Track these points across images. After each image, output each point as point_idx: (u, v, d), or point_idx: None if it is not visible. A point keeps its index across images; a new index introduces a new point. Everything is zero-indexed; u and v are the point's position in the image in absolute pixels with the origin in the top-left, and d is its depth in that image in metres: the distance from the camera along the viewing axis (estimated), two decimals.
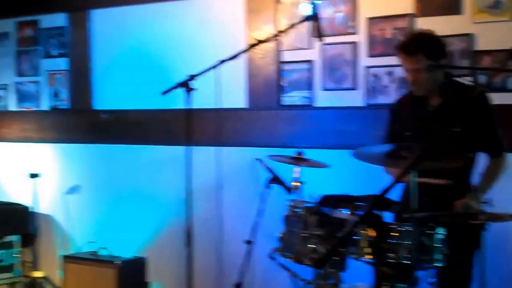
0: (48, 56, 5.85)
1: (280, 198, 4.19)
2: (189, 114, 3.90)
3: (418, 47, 3.50)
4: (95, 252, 5.33)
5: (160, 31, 5.25)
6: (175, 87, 3.91)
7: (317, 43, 4.58)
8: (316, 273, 3.78)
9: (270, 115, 4.82)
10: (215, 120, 4.79)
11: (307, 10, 4.23)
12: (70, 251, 5.63)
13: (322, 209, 3.77)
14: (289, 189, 4.16)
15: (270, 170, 4.29)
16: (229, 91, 4.64)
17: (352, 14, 4.54)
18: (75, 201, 5.77)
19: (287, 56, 4.76)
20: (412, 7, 4.35)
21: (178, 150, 4.77)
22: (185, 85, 3.89)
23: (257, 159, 4.34)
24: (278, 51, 4.77)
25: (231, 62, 3.97)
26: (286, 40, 4.69)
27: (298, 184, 4.05)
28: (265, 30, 4.76)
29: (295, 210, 3.89)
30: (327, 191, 3.88)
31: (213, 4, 5.03)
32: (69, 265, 5.29)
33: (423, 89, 3.58)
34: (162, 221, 5.26)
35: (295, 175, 4.05)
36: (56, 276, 5.64)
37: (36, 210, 5.76)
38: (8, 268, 5.65)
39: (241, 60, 4.32)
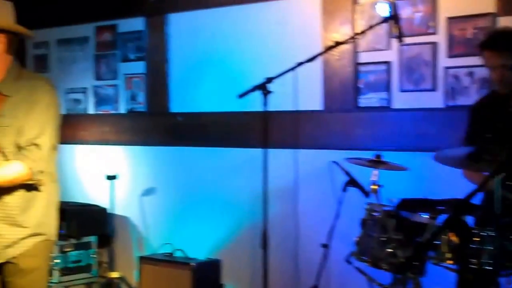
0: (126, 60, 5.94)
1: (357, 201, 4.15)
2: (266, 116, 3.90)
3: (506, 43, 3.41)
4: (170, 253, 5.37)
5: (236, 34, 5.25)
6: (252, 90, 3.91)
7: (394, 44, 4.50)
8: (394, 278, 3.72)
9: (346, 117, 4.77)
10: (291, 122, 4.76)
11: (385, 11, 4.17)
12: (146, 253, 5.69)
13: (400, 213, 3.70)
14: (366, 193, 4.11)
15: (347, 173, 4.24)
16: (305, 93, 4.62)
17: (432, 14, 4.44)
18: (151, 203, 5.83)
19: (364, 57, 4.70)
20: (494, 6, 4.23)
21: (254, 152, 4.79)
22: (262, 87, 3.88)
23: (334, 162, 4.30)
24: (355, 53, 4.71)
25: (307, 64, 3.96)
26: (363, 41, 4.63)
27: (376, 187, 3.98)
28: (342, 31, 4.71)
29: (372, 213, 3.84)
30: (406, 194, 3.82)
31: (289, 6, 5.00)
32: (145, 266, 5.35)
33: (509, 87, 3.48)
34: (237, 223, 5.25)
35: (373, 178, 3.99)
36: (132, 277, 5.71)
37: (113, 212, 5.85)
38: (86, 268, 5.74)
39: (317, 62, 4.28)
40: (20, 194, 3.21)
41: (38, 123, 3.16)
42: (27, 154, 3.11)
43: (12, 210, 3.20)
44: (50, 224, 3.36)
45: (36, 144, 3.14)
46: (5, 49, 3.20)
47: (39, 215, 3.27)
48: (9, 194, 3.18)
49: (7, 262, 3.23)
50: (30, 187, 3.23)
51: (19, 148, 3.15)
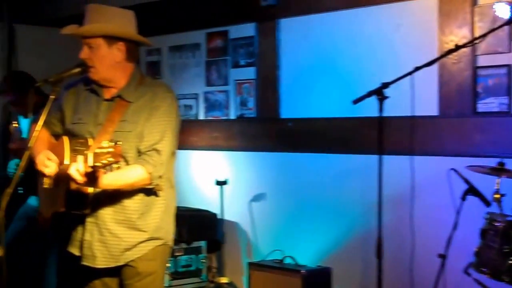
0: (237, 65, 5.97)
1: (476, 210, 3.99)
2: (381, 122, 3.82)
3: None
4: (280, 260, 5.34)
5: (349, 38, 5.18)
6: (367, 96, 3.83)
7: None
8: None
9: (464, 123, 4.60)
10: (406, 128, 4.64)
11: (506, 13, 4.01)
12: (255, 259, 5.69)
13: None
14: (487, 202, 3.95)
15: (466, 181, 4.09)
16: (420, 98, 4.50)
17: None
18: (260, 208, 5.83)
19: (482, 61, 4.53)
20: None
21: (366, 159, 4.71)
22: (378, 93, 3.80)
23: (452, 169, 4.16)
24: (473, 56, 4.54)
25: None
26: (482, 43, 4.45)
27: (499, 196, 3.83)
28: (460, 34, 4.56)
29: (494, 223, 3.71)
30: None
31: (404, 9, 4.88)
32: (254, 273, 5.34)
33: None
34: (349, 230, 5.17)
35: (496, 186, 3.84)
36: (241, 282, 5.72)
37: (222, 217, 5.88)
38: (196, 273, 5.80)
39: (433, 66, 4.15)
40: (139, 198, 3.27)
41: (159, 128, 3.21)
42: (147, 159, 3.16)
43: (132, 214, 3.26)
44: (168, 229, 3.41)
45: (156, 150, 3.18)
46: (125, 57, 3.27)
47: (157, 220, 3.32)
48: (128, 198, 3.25)
49: (125, 265, 3.30)
50: (149, 191, 3.28)
51: (139, 153, 3.20)
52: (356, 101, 3.88)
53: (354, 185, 5.10)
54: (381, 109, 3.84)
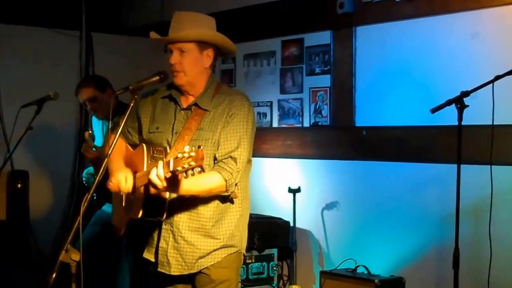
0: (311, 73, 5.95)
1: None
2: (460, 131, 3.76)
3: None
4: (353, 269, 5.29)
5: (426, 46, 5.09)
6: (446, 104, 3.78)
7: None
8: None
9: None
10: (485, 137, 4.54)
11: None
12: (326, 267, 5.65)
13: None
14: None
15: None
16: (500, 106, 4.39)
17: None
18: (333, 217, 5.79)
19: None
20: None
21: (443, 168, 4.64)
22: (457, 101, 3.74)
23: None
24: None
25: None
26: None
27: None
28: None
29: None
30: None
31: (483, 16, 4.77)
32: (327, 281, 5.29)
33: None
34: (424, 241, 5.07)
35: None
36: None
37: (294, 225, 5.86)
38: (267, 281, 5.79)
39: None
40: (214, 205, 3.29)
41: (235, 136, 3.23)
42: (223, 166, 3.18)
43: (206, 222, 3.28)
44: (241, 237, 3.41)
45: (232, 157, 3.20)
46: (211, 64, 3.32)
47: (232, 228, 3.33)
48: (203, 205, 3.27)
49: (199, 272, 3.32)
50: (224, 199, 3.30)
51: (215, 160, 3.22)
52: (435, 110, 3.84)
53: (430, 194, 5.01)
54: (460, 118, 3.78)
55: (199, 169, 2.81)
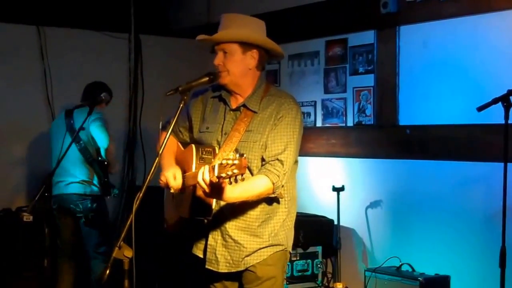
0: (355, 73, 5.98)
1: None
2: (507, 129, 3.75)
3: None
4: (397, 267, 5.31)
5: (471, 44, 5.08)
6: (492, 103, 3.78)
7: None
8: None
9: None
10: None
11: None
12: (370, 265, 5.67)
13: None
14: None
15: None
16: None
17: None
18: (377, 215, 5.81)
19: None
20: None
21: (488, 166, 4.61)
22: (504, 100, 3.74)
23: None
24: None
25: None
26: None
27: None
28: None
29: None
30: None
31: None
32: (371, 279, 5.32)
33: None
34: (469, 239, 5.05)
35: None
36: None
37: (338, 223, 5.90)
38: (311, 278, 5.83)
39: None
40: (261, 206, 3.31)
41: (283, 139, 3.25)
42: (270, 169, 3.20)
43: (253, 222, 3.31)
44: (287, 236, 3.43)
45: (279, 160, 3.22)
46: (256, 65, 3.34)
47: (278, 227, 3.36)
48: (251, 206, 3.29)
49: (246, 270, 3.36)
50: (271, 200, 3.32)
51: (263, 162, 3.26)
52: (481, 108, 3.84)
53: (475, 193, 5.00)
54: (507, 116, 3.77)
55: (242, 176, 2.83)
